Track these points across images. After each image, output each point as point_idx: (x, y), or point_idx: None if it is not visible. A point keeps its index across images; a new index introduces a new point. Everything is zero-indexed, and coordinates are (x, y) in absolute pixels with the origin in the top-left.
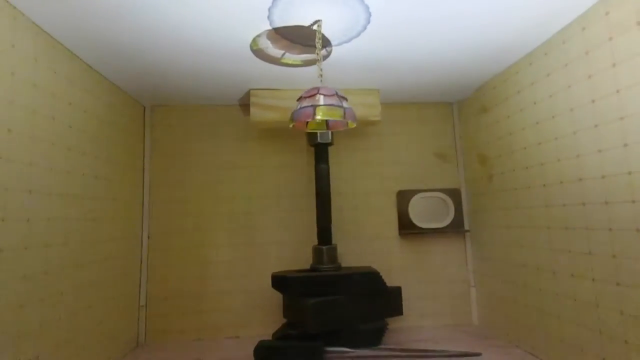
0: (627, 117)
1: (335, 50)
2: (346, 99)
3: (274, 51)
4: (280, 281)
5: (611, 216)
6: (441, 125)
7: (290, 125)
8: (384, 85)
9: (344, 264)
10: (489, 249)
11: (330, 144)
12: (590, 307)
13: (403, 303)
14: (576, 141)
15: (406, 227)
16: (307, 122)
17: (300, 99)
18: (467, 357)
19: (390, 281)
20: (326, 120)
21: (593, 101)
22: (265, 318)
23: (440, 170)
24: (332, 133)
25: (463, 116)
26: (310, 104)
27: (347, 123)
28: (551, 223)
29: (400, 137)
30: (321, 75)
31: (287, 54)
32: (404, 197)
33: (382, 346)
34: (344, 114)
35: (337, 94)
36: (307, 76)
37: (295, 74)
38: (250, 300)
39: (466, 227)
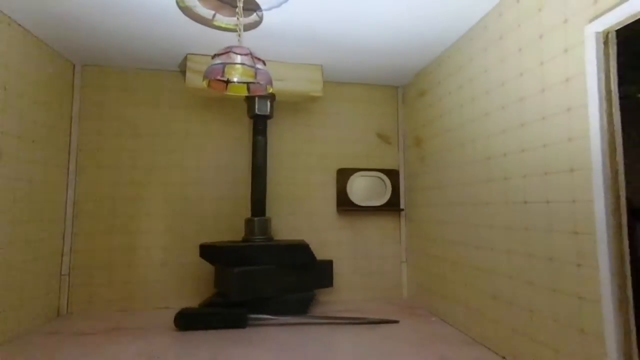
0: (526, 99)
1: (273, 21)
2: (263, 62)
3: (204, 11)
4: (207, 251)
5: (526, 190)
6: (386, 107)
7: (204, 83)
8: (327, 62)
9: (281, 238)
10: (418, 226)
11: (269, 116)
12: (488, 275)
13: (337, 277)
14: (487, 123)
15: (344, 204)
16: (227, 85)
17: (214, 56)
18: (385, 324)
19: (326, 255)
20: (247, 85)
21: (503, 84)
22: (198, 289)
23: (381, 151)
24: (271, 106)
25: (406, 100)
26: (221, 62)
27: (266, 87)
28: (464, 199)
29: (345, 116)
30: (240, 36)
31: (218, 16)
32: (343, 175)
33: (309, 315)
34: (255, 74)
35: (251, 54)
36: (246, 43)
37: (234, 41)
38: (183, 272)
39: (402, 206)
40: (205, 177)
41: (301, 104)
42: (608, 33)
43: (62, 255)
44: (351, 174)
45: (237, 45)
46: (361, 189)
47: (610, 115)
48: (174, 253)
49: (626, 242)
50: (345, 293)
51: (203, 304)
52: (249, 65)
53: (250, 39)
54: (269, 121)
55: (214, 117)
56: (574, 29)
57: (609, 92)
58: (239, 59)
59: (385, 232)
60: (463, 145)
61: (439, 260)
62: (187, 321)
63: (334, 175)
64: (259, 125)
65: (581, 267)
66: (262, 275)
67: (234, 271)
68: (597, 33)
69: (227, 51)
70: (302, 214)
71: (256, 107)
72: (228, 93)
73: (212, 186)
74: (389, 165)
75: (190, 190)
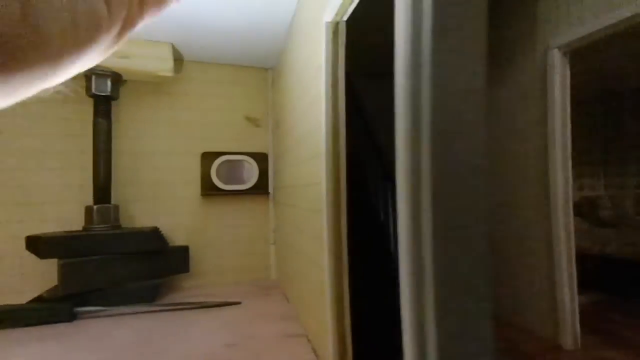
0: (309, 85)
1: None
2: None
3: None
4: (32, 243)
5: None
6: (257, 90)
7: None
8: (182, 40)
9: (139, 225)
10: (281, 209)
11: (112, 97)
12: (299, 255)
13: (203, 262)
14: (296, 108)
15: (209, 189)
16: None
17: None
18: (227, 305)
19: (191, 241)
20: None
21: (312, 69)
22: (43, 283)
23: (250, 134)
24: (113, 85)
25: (274, 82)
26: None
27: None
28: (289, 182)
29: (212, 98)
30: None
31: None
32: (208, 159)
33: (153, 303)
34: None
35: None
36: None
37: None
38: (24, 266)
39: (270, 189)
40: (45, 162)
41: (162, 86)
42: (337, 23)
43: None
44: (216, 158)
45: None
46: (227, 172)
47: (335, 102)
48: (13, 247)
49: (344, 220)
50: (211, 277)
51: (34, 299)
52: None
53: None
54: (123, 103)
55: (54, 96)
56: (323, 19)
57: (335, 80)
58: None
59: (254, 216)
60: (292, 128)
61: (283, 241)
62: (1, 319)
63: (199, 159)
64: (100, 106)
65: (323, 241)
66: (95, 266)
67: (60, 263)
68: (328, 23)
69: None
70: (163, 200)
71: (93, 85)
72: None
73: (53, 172)
74: (258, 148)
75: (29, 177)
